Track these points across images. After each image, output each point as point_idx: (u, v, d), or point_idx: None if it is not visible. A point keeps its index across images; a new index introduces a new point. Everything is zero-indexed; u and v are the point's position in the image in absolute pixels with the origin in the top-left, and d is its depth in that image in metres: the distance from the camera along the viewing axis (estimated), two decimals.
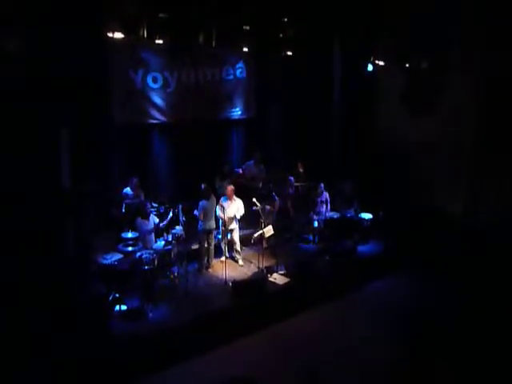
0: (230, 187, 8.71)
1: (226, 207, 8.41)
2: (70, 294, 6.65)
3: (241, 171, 10.71)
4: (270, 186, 9.98)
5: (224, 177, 9.95)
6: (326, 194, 9.95)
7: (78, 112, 7.92)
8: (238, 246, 8.91)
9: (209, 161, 10.42)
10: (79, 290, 6.88)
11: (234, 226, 8.76)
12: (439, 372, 6.42)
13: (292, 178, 10.26)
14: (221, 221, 8.61)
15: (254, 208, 8.66)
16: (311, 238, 9.96)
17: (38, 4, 6.90)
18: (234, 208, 8.60)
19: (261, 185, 10.19)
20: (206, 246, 8.58)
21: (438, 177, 10.61)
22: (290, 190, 10.15)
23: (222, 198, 8.67)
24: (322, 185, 9.91)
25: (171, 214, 8.35)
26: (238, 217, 8.68)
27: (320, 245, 9.78)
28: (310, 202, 9.99)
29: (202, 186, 8.67)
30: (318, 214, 9.90)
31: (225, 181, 9.50)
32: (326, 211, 9.94)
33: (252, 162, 10.73)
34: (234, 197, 8.66)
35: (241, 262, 8.95)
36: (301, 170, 10.75)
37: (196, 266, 8.56)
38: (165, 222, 8.25)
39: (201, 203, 8.38)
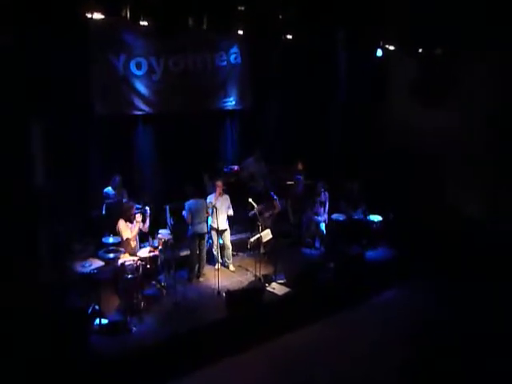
0: (220, 182, 8.75)
1: (215, 204, 8.42)
2: (43, 306, 6.59)
3: (236, 168, 10.72)
4: (268, 184, 9.98)
5: (215, 174, 9.94)
6: (326, 194, 9.96)
7: (52, 103, 7.88)
8: (229, 251, 8.94)
9: (200, 157, 10.42)
10: (54, 302, 6.83)
11: (225, 226, 8.79)
12: None
13: (300, 177, 10.25)
14: (210, 222, 8.63)
15: (252, 213, 8.64)
16: (316, 242, 9.98)
17: None
18: (225, 205, 8.65)
19: (263, 183, 10.18)
20: (196, 252, 8.57)
21: (453, 175, 10.64)
22: (298, 190, 10.12)
23: (209, 196, 8.71)
24: (321, 184, 9.93)
25: (148, 211, 8.22)
26: (231, 212, 8.73)
27: (324, 250, 9.80)
28: (309, 203, 10.01)
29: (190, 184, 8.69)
30: (316, 215, 9.92)
31: (217, 179, 9.49)
32: (325, 213, 9.96)
33: (252, 158, 10.77)
34: (223, 194, 8.73)
35: (232, 267, 8.98)
36: (300, 168, 10.76)
37: (185, 274, 8.55)
38: (147, 225, 8.20)
39: (187, 204, 8.37)
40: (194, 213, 8.34)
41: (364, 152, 11.62)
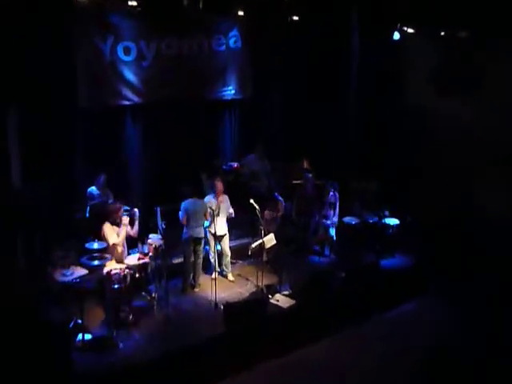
0: (220, 182, 8.76)
1: (214, 207, 8.39)
2: (20, 319, 6.57)
3: (236, 165, 10.71)
4: (272, 183, 9.96)
5: (213, 172, 9.92)
6: (336, 195, 9.94)
7: (30, 94, 7.86)
8: (228, 258, 8.94)
9: (195, 153, 10.42)
10: (32, 315, 6.81)
11: (225, 230, 8.80)
12: None
13: (309, 175, 10.22)
14: (206, 226, 8.61)
15: (260, 220, 8.61)
16: (325, 249, 9.97)
17: None
18: (224, 206, 8.66)
19: (266, 183, 10.13)
20: (192, 259, 8.54)
21: (480, 173, 10.58)
22: (307, 190, 10.10)
23: (207, 197, 8.70)
24: (331, 183, 9.91)
25: (138, 214, 8.19)
26: (232, 211, 8.75)
27: (334, 258, 9.78)
28: (316, 204, 9.98)
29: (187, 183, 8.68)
30: (324, 218, 9.90)
31: (215, 177, 9.49)
32: (335, 215, 9.94)
33: (253, 156, 10.77)
34: (222, 194, 8.75)
35: (231, 276, 8.98)
36: (306, 166, 10.73)
37: (179, 284, 8.53)
38: (135, 229, 8.17)
39: (184, 203, 8.36)
40: (190, 214, 8.30)
41: (379, 148, 11.57)
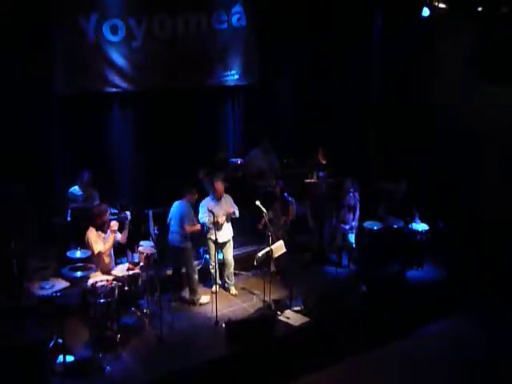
0: (220, 182, 8.81)
1: (214, 210, 8.45)
2: None
3: (240, 162, 10.74)
4: (281, 183, 9.97)
5: (215, 169, 9.98)
6: (356, 196, 9.98)
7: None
8: (231, 269, 9.00)
9: (193, 147, 10.49)
10: (5, 335, 6.89)
11: (228, 237, 8.85)
12: None
13: (323, 174, 10.27)
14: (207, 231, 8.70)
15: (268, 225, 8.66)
16: (343, 258, 10.02)
17: None
18: (226, 208, 8.73)
19: (274, 182, 10.17)
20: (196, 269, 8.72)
21: None
22: (321, 190, 10.17)
23: (206, 199, 8.77)
24: (350, 182, 9.93)
25: (129, 217, 8.27)
26: (236, 213, 8.82)
27: (353, 269, 9.84)
28: (333, 206, 10.03)
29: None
30: (342, 222, 9.96)
31: (217, 175, 9.54)
32: (354, 220, 9.99)
33: (258, 150, 10.77)
34: (224, 194, 8.82)
35: (234, 290, 9.04)
36: (323, 162, 10.77)
37: (174, 298, 8.64)
38: (125, 234, 8.24)
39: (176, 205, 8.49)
40: (186, 218, 8.44)
41: (408, 144, 11.59)
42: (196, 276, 8.65)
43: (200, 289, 8.83)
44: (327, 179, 10.30)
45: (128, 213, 8.26)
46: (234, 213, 8.85)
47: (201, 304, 8.58)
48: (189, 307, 8.59)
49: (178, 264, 8.74)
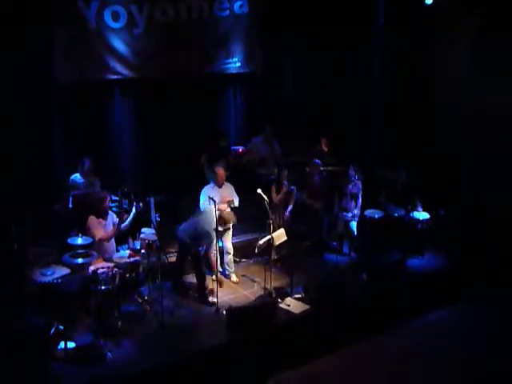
0: (222, 168, 8.84)
1: (215, 198, 8.43)
2: None
3: (241, 150, 10.73)
4: (283, 171, 9.97)
5: (217, 156, 9.96)
6: (359, 184, 9.96)
7: None
8: (230, 256, 9.01)
9: (195, 134, 10.45)
10: (6, 321, 6.90)
11: (227, 224, 8.84)
12: None
13: (319, 161, 10.26)
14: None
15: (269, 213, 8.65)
16: (344, 246, 10.03)
17: None
18: (225, 197, 8.73)
19: (276, 170, 10.16)
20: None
21: None
22: (316, 177, 10.17)
23: (207, 186, 8.80)
24: (353, 169, 9.91)
25: (134, 211, 8.36)
26: (237, 204, 8.81)
27: (354, 257, 9.85)
28: (335, 194, 10.02)
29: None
30: (344, 210, 9.96)
31: (218, 162, 9.53)
32: (356, 208, 9.98)
33: (260, 138, 10.77)
34: (225, 182, 8.86)
35: (234, 277, 9.05)
36: (325, 149, 10.74)
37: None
38: (126, 223, 8.28)
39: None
40: None
41: (410, 131, 11.56)
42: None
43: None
44: (328, 167, 10.32)
45: (140, 205, 8.35)
46: (232, 201, 8.85)
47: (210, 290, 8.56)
48: (190, 294, 8.57)
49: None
